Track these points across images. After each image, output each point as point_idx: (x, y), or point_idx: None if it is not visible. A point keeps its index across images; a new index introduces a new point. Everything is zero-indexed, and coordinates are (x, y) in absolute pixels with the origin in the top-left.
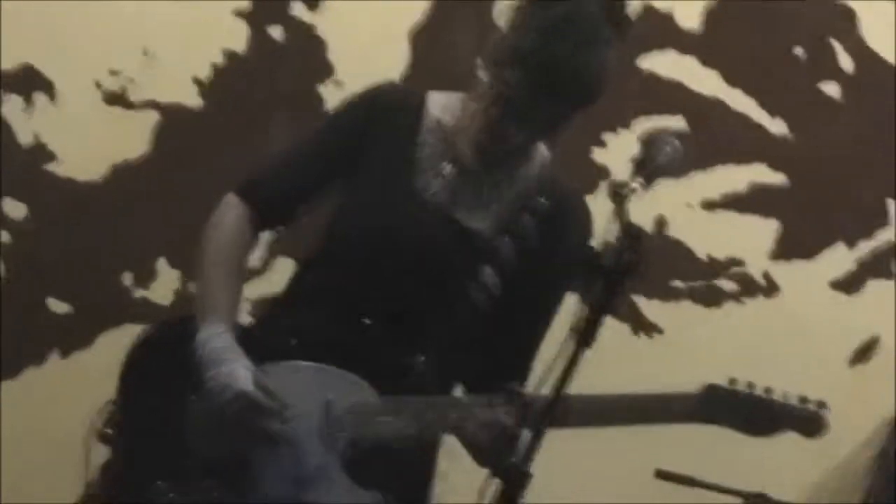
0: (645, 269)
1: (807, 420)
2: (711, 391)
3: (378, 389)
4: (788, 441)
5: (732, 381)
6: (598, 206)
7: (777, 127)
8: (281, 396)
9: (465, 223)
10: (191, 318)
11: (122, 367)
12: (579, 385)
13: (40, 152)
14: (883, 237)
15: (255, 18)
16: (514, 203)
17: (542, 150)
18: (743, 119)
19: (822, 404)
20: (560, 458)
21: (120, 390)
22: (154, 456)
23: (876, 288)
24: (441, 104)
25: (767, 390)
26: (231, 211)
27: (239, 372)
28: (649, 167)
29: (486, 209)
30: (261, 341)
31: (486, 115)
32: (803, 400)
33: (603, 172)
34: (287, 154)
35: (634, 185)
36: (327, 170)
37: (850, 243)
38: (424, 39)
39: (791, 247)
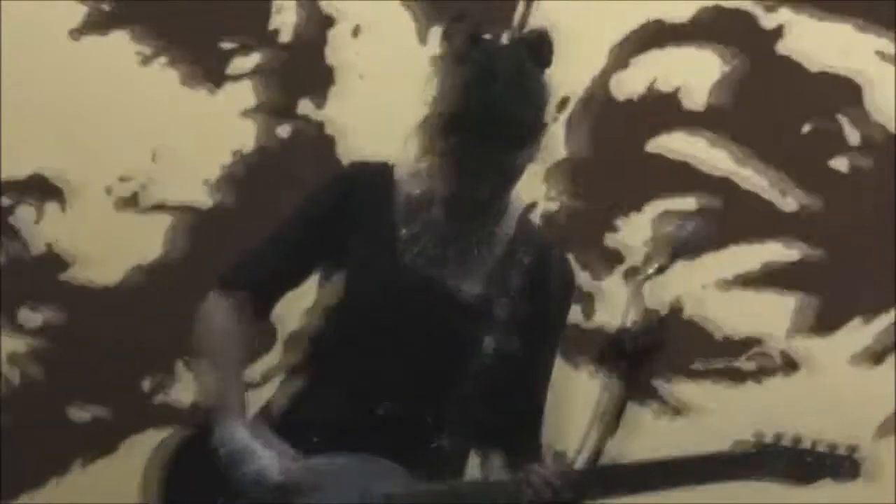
0: (665, 352)
1: (841, 465)
2: (742, 447)
3: (411, 473)
4: None
5: (758, 434)
6: (615, 290)
7: (789, 204)
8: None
9: (459, 291)
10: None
11: (158, 483)
12: None
13: (53, 260)
14: None
15: (263, 117)
16: (499, 263)
17: (517, 206)
18: (754, 197)
19: (853, 448)
20: None
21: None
22: None
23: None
24: (409, 176)
25: (796, 440)
26: (219, 307)
27: (266, 463)
28: (665, 253)
29: (475, 273)
30: (289, 437)
31: (444, 181)
32: (833, 446)
33: (616, 257)
34: (268, 242)
35: (650, 271)
36: (309, 255)
37: (868, 318)
38: None
39: (809, 323)
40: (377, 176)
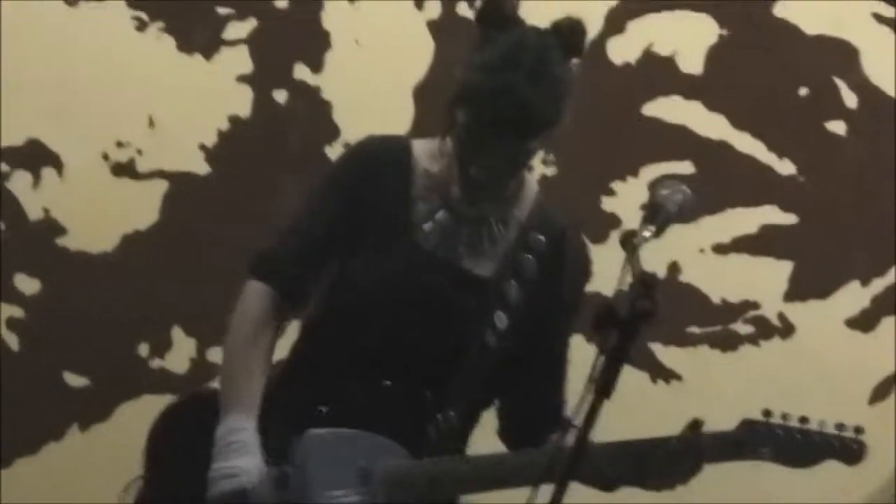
0: (659, 316)
1: (847, 448)
2: (748, 426)
3: (409, 449)
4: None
5: (767, 413)
6: (611, 254)
7: (785, 167)
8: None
9: (472, 271)
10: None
11: (149, 440)
12: (600, 436)
13: (50, 226)
14: None
15: (259, 83)
16: (511, 246)
17: (532, 186)
18: (751, 161)
19: (859, 430)
20: None
21: (147, 464)
22: None
23: (891, 325)
24: (426, 152)
25: (803, 420)
26: (255, 297)
27: (244, 467)
28: (660, 215)
29: (488, 254)
30: (287, 411)
31: (457, 159)
32: (840, 427)
33: (614, 221)
34: (295, 228)
35: (646, 233)
36: (335, 239)
37: (864, 281)
38: (429, 96)
39: (805, 287)
40: (394, 151)
